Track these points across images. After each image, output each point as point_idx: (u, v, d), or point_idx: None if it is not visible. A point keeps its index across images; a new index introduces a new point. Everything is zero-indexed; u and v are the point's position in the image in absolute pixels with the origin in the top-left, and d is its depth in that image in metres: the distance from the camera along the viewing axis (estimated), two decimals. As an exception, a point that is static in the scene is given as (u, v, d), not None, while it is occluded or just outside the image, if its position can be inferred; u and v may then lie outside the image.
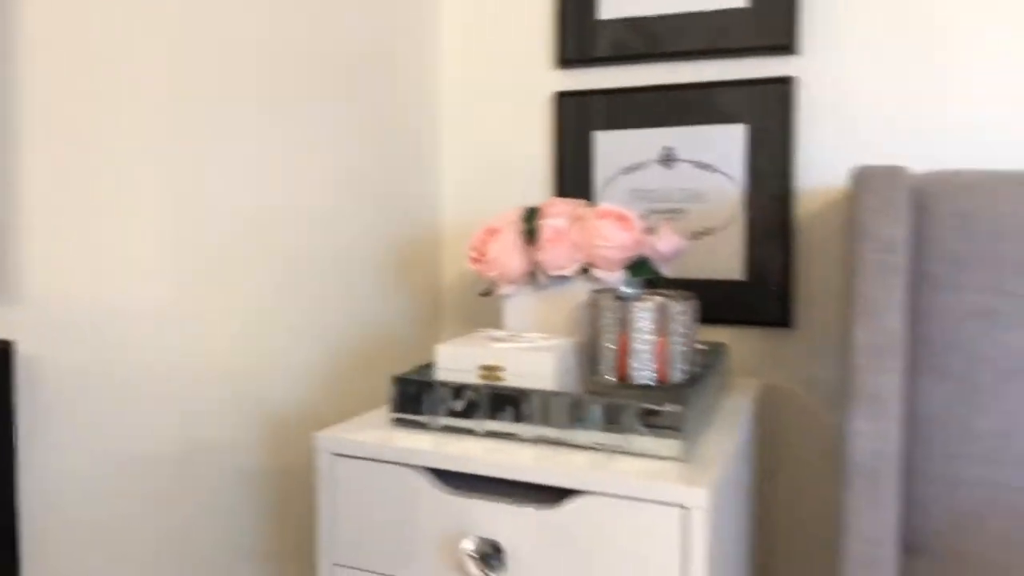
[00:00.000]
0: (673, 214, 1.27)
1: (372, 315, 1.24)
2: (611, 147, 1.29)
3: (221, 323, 0.95)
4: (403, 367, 1.31)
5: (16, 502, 0.72)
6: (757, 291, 1.22)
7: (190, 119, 0.90)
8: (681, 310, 0.90)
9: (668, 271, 1.10)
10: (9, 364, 0.70)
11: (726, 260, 1.24)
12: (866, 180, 0.92)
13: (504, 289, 1.03)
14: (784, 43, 1.18)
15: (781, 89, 1.19)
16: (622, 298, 0.90)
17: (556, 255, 0.99)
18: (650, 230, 1.07)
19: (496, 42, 1.38)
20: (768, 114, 1.20)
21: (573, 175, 1.32)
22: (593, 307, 0.93)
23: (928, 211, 0.98)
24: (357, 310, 1.20)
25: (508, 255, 1.00)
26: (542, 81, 1.34)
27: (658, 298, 0.90)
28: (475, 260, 1.03)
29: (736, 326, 1.24)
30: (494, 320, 1.39)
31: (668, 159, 1.27)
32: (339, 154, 1.15)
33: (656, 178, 1.27)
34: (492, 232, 1.02)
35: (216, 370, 0.95)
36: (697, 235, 1.25)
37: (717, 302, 1.24)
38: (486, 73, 1.39)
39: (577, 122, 1.31)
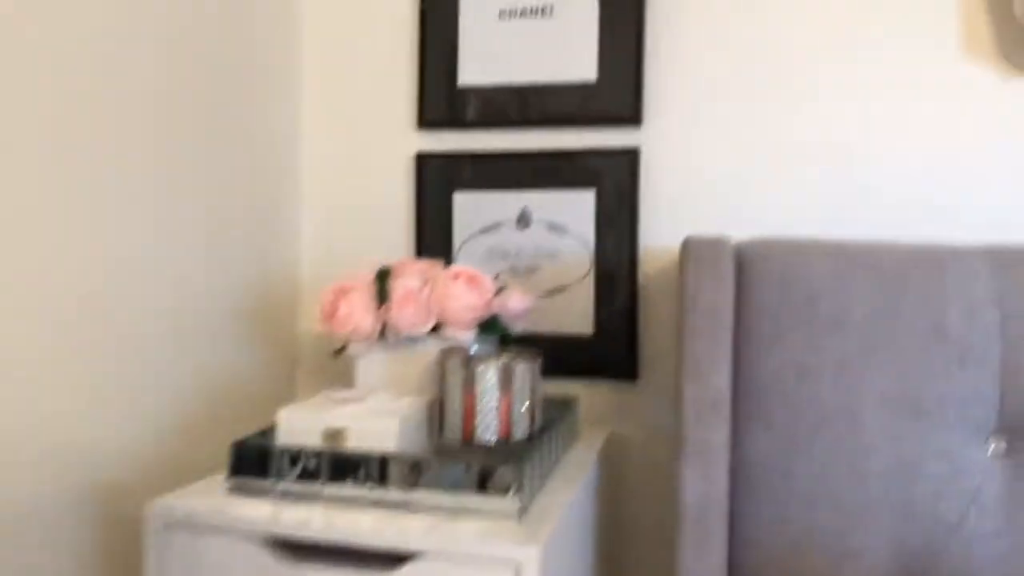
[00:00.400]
0: (528, 272, 1.32)
1: (224, 375, 1.22)
2: (470, 208, 1.34)
3: (43, 384, 0.91)
4: (256, 428, 1.28)
5: None
6: (606, 346, 1.29)
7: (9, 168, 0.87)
8: (525, 369, 0.94)
9: (520, 328, 1.15)
10: None
11: (577, 316, 1.30)
12: (693, 249, 1.01)
13: (355, 348, 1.04)
14: (629, 116, 1.28)
15: (626, 158, 1.28)
16: (468, 359, 0.93)
17: (407, 315, 1.01)
18: (501, 290, 1.11)
19: (359, 100, 1.40)
20: (615, 181, 1.29)
21: (433, 234, 1.35)
22: (440, 367, 0.95)
23: (750, 274, 1.08)
24: (207, 371, 1.18)
25: (359, 314, 1.02)
26: (404, 142, 1.38)
27: (503, 358, 0.94)
28: (326, 319, 1.04)
29: (587, 379, 1.30)
30: (352, 378, 1.39)
31: (524, 220, 1.32)
32: (189, 208, 1.14)
33: (512, 238, 1.33)
34: (343, 291, 1.03)
35: (36, 438, 0.90)
36: (550, 292, 1.31)
37: (569, 356, 1.29)
38: (348, 130, 1.41)
39: (438, 183, 1.35)
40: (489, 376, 0.92)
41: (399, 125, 1.38)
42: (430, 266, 1.09)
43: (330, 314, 1.03)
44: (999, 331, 1.01)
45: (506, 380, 0.93)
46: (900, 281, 1.07)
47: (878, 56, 1.21)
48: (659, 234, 1.29)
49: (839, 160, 1.22)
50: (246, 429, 1.25)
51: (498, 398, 0.93)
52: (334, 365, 1.40)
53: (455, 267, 1.05)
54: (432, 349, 1.03)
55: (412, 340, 1.04)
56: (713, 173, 1.27)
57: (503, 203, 1.33)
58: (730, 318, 1.04)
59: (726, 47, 1.26)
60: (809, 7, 1.23)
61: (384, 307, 1.03)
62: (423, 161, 1.36)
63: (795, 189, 1.24)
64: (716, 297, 0.99)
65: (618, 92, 1.28)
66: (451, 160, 1.35)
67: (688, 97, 1.28)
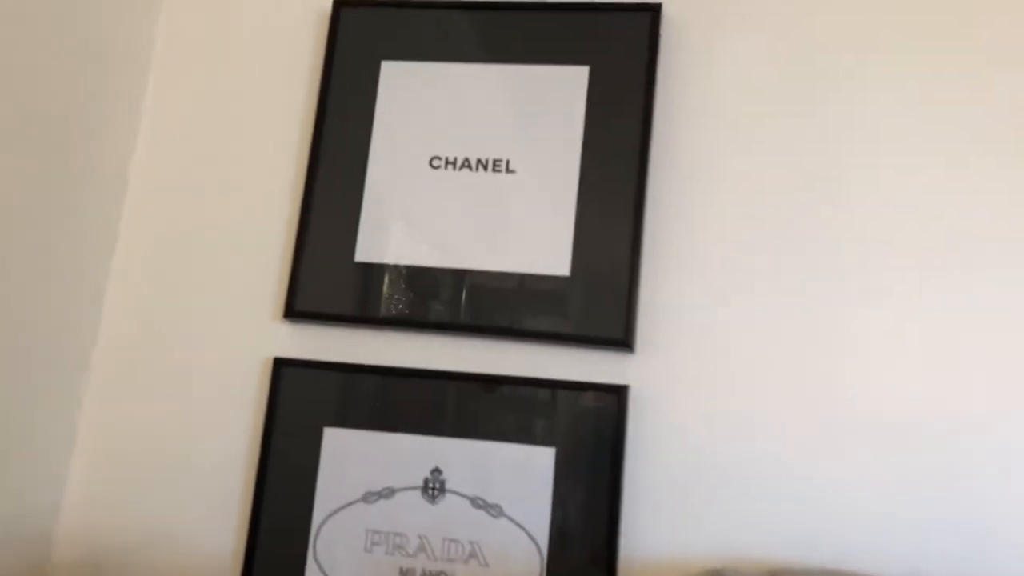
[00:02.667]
0: (433, 581, 0.78)
1: None
2: (348, 457, 0.81)
3: None
4: None
5: None
6: None
7: None
8: None
9: None
10: None
11: (510, 673, 0.75)
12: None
13: None
14: (616, 335, 0.80)
15: (609, 400, 0.79)
16: None
17: None
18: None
19: (192, 268, 0.90)
20: (589, 436, 0.79)
21: (281, 497, 0.81)
22: None
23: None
24: None
25: None
26: (256, 339, 0.86)
27: None
28: None
29: None
30: None
31: (434, 488, 0.80)
32: None
33: (413, 516, 0.79)
34: None
35: None
36: (468, 621, 0.77)
37: None
38: (165, 311, 0.89)
39: (301, 410, 0.83)
40: None
41: (251, 312, 0.87)
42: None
43: None
44: None
45: None
46: None
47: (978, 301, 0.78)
48: (655, 529, 0.78)
49: (921, 446, 0.76)
50: None
51: None
52: None
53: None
54: None
55: None
56: (740, 434, 0.78)
57: (403, 455, 0.81)
58: None
59: (766, 242, 0.82)
60: (890, 198, 0.81)
61: None
62: (283, 371, 0.84)
63: (864, 475, 0.76)
64: None
65: (601, 297, 0.81)
66: (328, 374, 0.84)
67: (711, 320, 0.81)
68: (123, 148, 0.92)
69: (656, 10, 0.86)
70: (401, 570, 0.78)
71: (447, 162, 0.87)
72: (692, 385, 0.80)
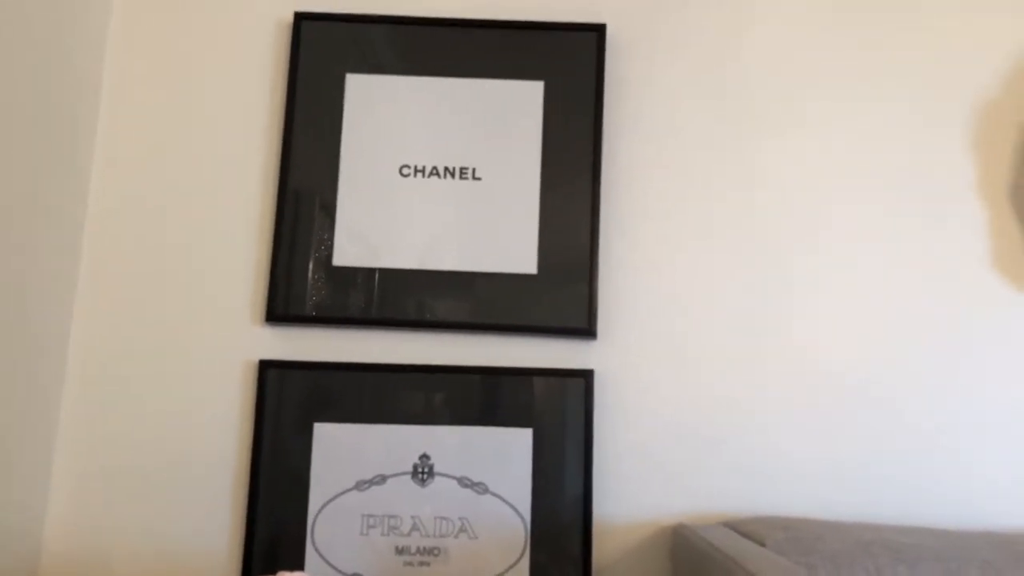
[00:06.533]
0: (427, 556, 0.85)
1: None
2: (338, 449, 0.87)
3: None
4: None
5: None
6: None
7: None
8: None
9: None
10: None
11: (504, 632, 0.83)
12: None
13: None
14: (580, 325, 0.89)
15: (576, 384, 0.89)
16: None
17: None
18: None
19: (171, 275, 0.92)
20: (562, 416, 0.88)
21: (276, 490, 0.86)
22: None
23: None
24: None
25: None
26: (240, 343, 0.90)
27: None
28: None
29: None
30: None
31: (423, 472, 0.87)
32: None
33: (404, 499, 0.86)
34: None
35: None
36: (462, 590, 0.84)
37: None
38: (146, 320, 0.91)
39: (290, 408, 0.88)
40: None
41: (234, 317, 0.91)
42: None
43: None
44: None
45: None
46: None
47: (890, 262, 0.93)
48: (624, 494, 0.88)
49: (846, 404, 0.90)
50: None
51: None
52: None
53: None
54: None
55: None
56: (700, 407, 0.90)
57: (391, 444, 0.87)
58: None
59: (709, 231, 0.93)
60: (813, 193, 0.94)
61: None
62: (269, 374, 0.88)
63: (803, 436, 0.89)
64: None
65: (565, 291, 0.90)
66: (314, 374, 0.89)
67: (660, 303, 0.92)
68: (82, 168, 0.92)
69: (601, 30, 0.95)
70: (397, 548, 0.85)
71: (416, 170, 0.93)
72: (649, 365, 0.90)
